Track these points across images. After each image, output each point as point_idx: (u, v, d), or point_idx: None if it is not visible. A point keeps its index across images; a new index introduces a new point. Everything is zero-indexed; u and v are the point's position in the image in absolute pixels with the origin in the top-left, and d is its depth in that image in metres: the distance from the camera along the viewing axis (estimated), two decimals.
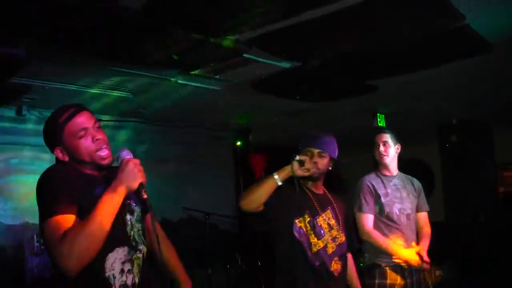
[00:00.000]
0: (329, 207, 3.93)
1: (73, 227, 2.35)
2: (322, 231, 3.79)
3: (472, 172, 8.88)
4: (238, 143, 9.14)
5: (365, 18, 4.27)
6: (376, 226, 4.65)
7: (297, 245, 3.68)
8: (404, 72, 5.90)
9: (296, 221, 3.71)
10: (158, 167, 8.19)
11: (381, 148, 4.79)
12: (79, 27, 4.02)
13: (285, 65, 5.44)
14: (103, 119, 7.17)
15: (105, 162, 2.68)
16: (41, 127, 6.19)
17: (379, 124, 8.04)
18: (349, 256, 4.07)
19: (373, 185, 4.72)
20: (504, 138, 9.23)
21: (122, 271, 2.61)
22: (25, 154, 6.85)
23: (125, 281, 2.60)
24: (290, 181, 3.70)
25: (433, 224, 9.45)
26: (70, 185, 2.52)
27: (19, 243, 6.64)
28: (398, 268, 4.53)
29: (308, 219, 3.74)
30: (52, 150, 2.72)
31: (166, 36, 4.37)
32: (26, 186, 6.79)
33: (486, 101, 7.89)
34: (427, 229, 4.97)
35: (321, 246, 3.74)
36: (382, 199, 4.66)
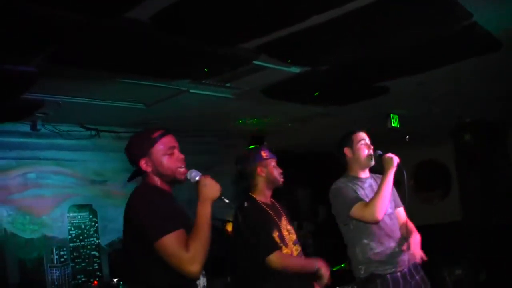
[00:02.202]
0: (282, 214, 4.24)
1: (189, 239, 2.92)
2: (286, 240, 4.05)
3: (487, 171, 8.86)
4: None
5: (371, 21, 4.28)
6: (366, 236, 4.28)
7: None
8: (414, 73, 5.90)
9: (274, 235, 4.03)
10: None
11: (371, 148, 4.42)
12: (88, 42, 4.06)
13: (295, 70, 5.46)
14: (117, 130, 7.22)
15: (183, 177, 3.19)
16: (56, 141, 6.29)
17: (393, 125, 8.02)
18: None
19: (350, 186, 4.34)
20: None
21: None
22: (41, 168, 6.91)
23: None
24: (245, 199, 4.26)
25: (450, 224, 9.44)
26: (168, 204, 3.08)
27: (38, 256, 6.69)
28: (398, 274, 4.22)
29: (277, 233, 4.04)
30: (136, 161, 3.20)
31: (175, 47, 4.41)
32: (44, 200, 6.86)
33: (500, 100, 7.86)
34: (410, 224, 4.57)
35: (290, 253, 4.08)
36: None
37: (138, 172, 3.27)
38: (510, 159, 9.15)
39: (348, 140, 4.51)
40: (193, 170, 3.18)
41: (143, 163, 3.17)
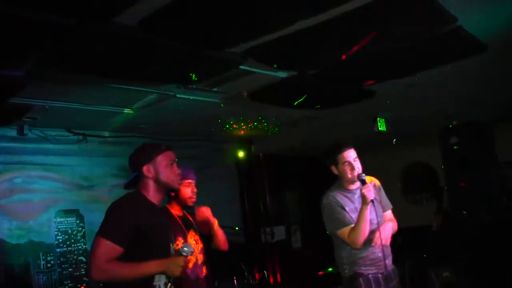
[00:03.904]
0: (191, 228, 4.52)
1: (115, 264, 3.19)
2: (192, 248, 4.07)
3: (475, 172, 8.88)
4: (241, 154, 9.13)
5: (357, 26, 4.30)
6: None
7: None
8: (401, 76, 5.92)
9: (174, 245, 4.06)
10: None
11: (357, 165, 4.56)
12: (76, 47, 4.06)
13: (282, 74, 5.47)
14: (104, 135, 7.21)
15: (178, 186, 3.74)
16: (43, 146, 6.35)
17: (380, 129, 8.05)
18: None
19: (339, 202, 4.58)
20: (506, 138, 9.23)
21: (165, 284, 3.37)
22: (28, 173, 6.87)
23: None
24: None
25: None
26: (132, 218, 3.30)
27: (25, 262, 6.65)
28: (379, 275, 4.51)
29: (182, 240, 4.30)
30: (140, 166, 3.55)
31: (163, 51, 4.40)
32: (31, 205, 6.82)
33: (487, 101, 7.92)
34: (393, 223, 4.80)
35: (194, 261, 4.38)
36: (352, 215, 4.53)
37: (135, 179, 3.60)
38: (498, 160, 9.16)
39: (333, 159, 4.67)
40: (190, 245, 3.59)
41: (145, 169, 3.53)
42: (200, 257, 4.49)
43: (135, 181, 3.61)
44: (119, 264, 3.19)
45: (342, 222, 4.50)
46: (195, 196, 4.57)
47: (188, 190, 4.52)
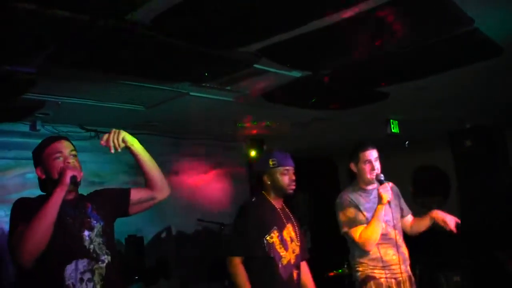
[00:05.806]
0: (289, 221, 4.26)
1: (23, 228, 2.82)
2: (287, 244, 4.09)
3: (486, 177, 8.83)
4: (252, 153, 9.12)
5: (372, 27, 4.28)
6: None
7: (270, 260, 3.99)
8: (414, 78, 5.88)
9: (267, 237, 4.01)
10: (172, 179, 8.21)
11: (376, 165, 4.61)
12: (89, 44, 4.06)
13: (296, 74, 5.45)
14: None
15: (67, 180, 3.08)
16: None
17: (393, 130, 8.01)
18: (304, 263, 4.40)
19: (353, 201, 4.58)
20: None
21: (81, 280, 2.97)
22: None
23: None
24: (254, 195, 4.35)
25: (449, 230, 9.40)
26: (31, 210, 2.92)
27: None
28: (392, 280, 4.44)
29: (277, 234, 4.06)
30: (35, 170, 3.27)
31: (176, 49, 4.40)
32: None
33: (499, 105, 7.86)
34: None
35: (288, 258, 4.09)
36: (367, 214, 4.51)
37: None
38: (510, 164, 9.11)
39: (355, 156, 4.71)
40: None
41: (38, 172, 3.26)
42: (293, 257, 4.15)
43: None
44: (26, 227, 2.84)
45: (354, 222, 4.48)
46: (294, 184, 4.29)
47: (285, 178, 4.25)
